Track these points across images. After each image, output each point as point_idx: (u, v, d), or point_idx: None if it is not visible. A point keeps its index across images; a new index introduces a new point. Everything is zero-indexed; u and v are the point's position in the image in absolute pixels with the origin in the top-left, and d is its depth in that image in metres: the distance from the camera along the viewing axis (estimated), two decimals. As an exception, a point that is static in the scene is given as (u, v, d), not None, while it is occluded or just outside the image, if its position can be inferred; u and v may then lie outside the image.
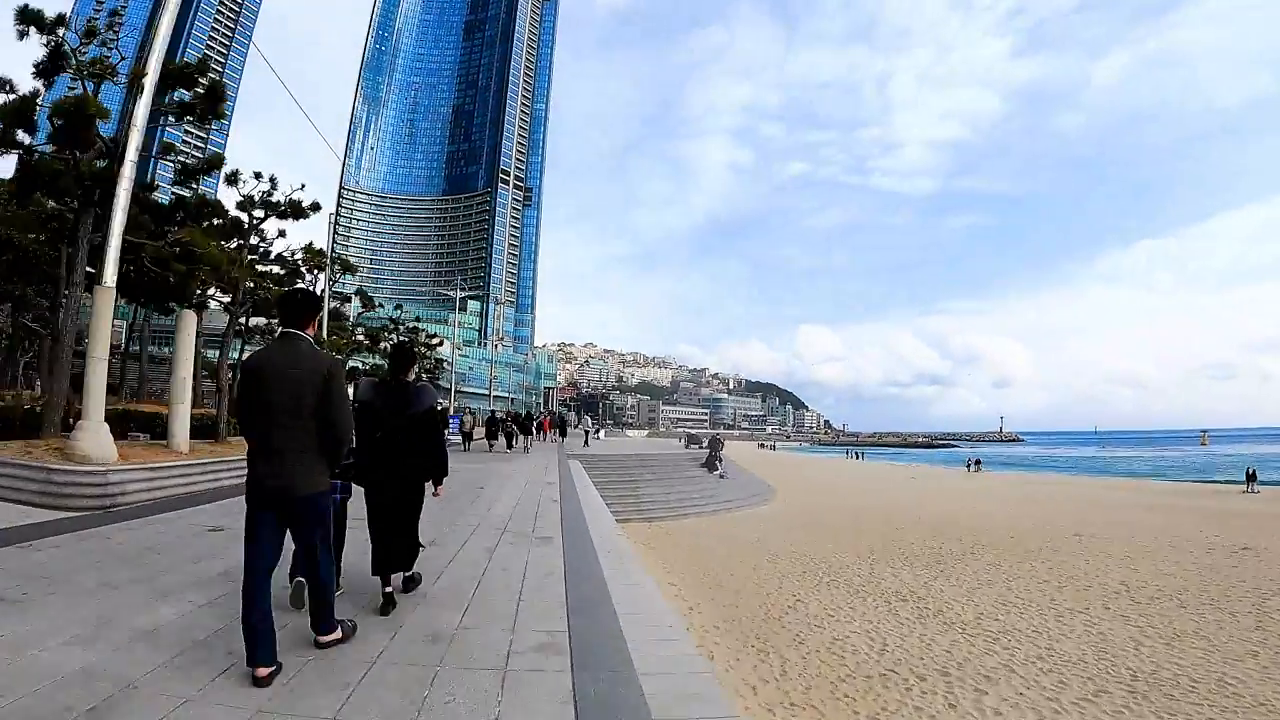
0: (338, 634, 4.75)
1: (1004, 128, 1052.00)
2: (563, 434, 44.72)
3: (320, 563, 4.52)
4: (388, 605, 5.58)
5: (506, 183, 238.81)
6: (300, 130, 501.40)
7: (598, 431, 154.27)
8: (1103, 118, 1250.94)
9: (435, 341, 71.46)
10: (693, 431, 78.83)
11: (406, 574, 6.13)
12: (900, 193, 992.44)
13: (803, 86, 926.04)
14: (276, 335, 4.64)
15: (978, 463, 78.64)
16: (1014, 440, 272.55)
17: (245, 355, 26.85)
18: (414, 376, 6.13)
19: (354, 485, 5.93)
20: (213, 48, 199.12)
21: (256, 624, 4.10)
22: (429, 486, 6.18)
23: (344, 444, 4.59)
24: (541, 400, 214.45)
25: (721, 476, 33.86)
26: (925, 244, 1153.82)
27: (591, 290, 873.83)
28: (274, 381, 4.37)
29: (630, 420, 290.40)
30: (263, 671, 4.07)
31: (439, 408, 6.48)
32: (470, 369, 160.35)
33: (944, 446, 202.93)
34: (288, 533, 4.47)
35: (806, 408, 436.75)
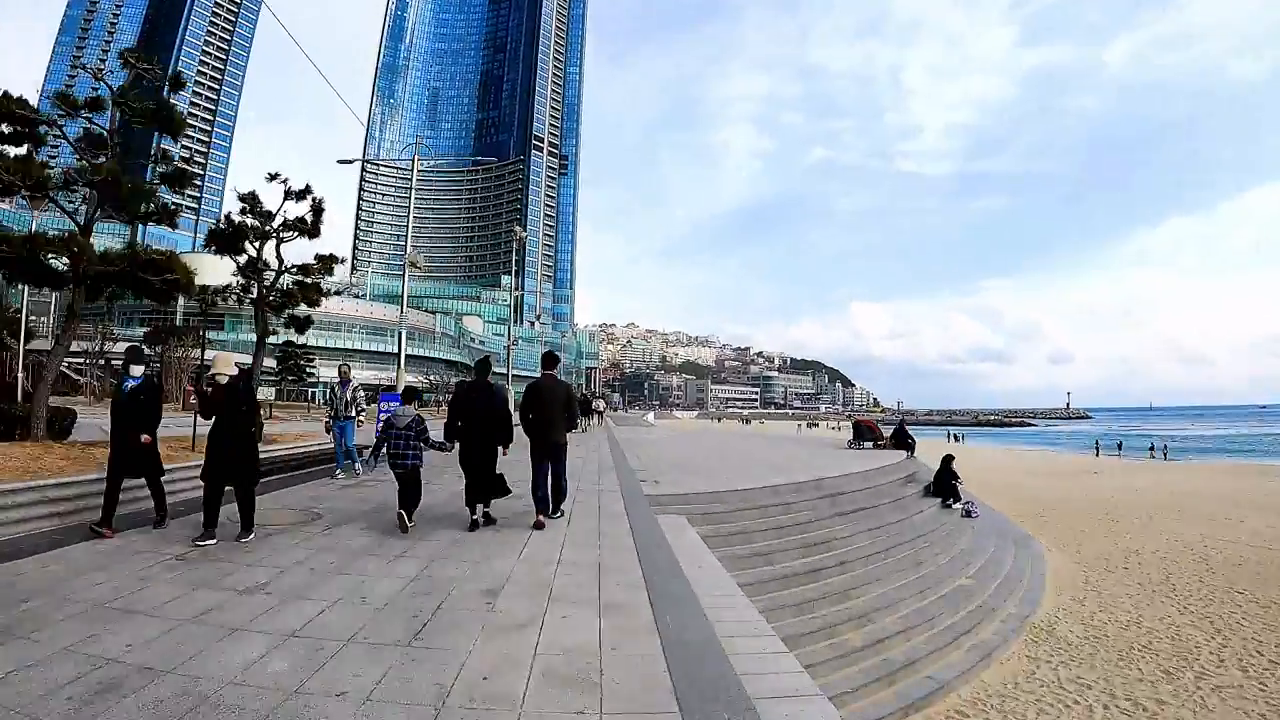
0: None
1: (1017, 112, 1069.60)
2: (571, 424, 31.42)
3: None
4: (473, 526, 8.83)
5: (540, 149, 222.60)
6: (322, 111, 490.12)
7: (646, 413, 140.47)
8: (1116, 99, 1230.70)
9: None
10: (812, 415, 62.20)
11: (486, 509, 9.16)
12: (923, 175, 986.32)
13: (820, 77, 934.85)
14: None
15: (1161, 449, 61.83)
16: (1082, 417, 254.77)
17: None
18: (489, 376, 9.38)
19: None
20: (214, 33, 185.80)
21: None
22: (500, 450, 9.09)
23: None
24: (584, 381, 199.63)
25: (968, 513, 17.86)
26: (953, 225, 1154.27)
27: (626, 280, 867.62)
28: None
29: (677, 400, 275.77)
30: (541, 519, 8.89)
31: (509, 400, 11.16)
32: (505, 349, 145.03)
33: (1019, 425, 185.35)
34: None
35: (854, 385, 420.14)
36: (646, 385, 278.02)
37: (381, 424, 10.08)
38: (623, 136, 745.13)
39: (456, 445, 8.95)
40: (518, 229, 55.46)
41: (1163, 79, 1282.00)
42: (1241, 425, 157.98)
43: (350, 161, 37.06)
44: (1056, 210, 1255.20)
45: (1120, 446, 64.75)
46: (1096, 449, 63.71)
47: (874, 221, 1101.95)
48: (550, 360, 9.68)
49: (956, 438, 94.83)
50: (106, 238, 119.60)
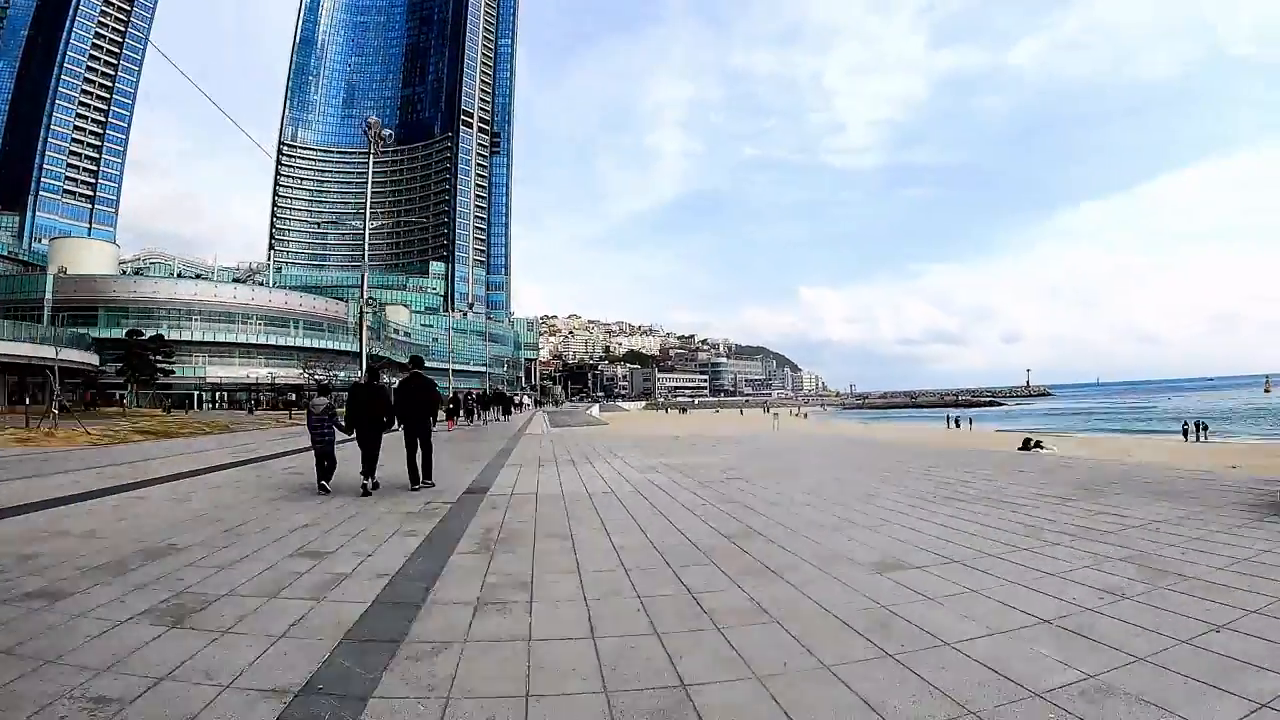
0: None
1: (934, 108, 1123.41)
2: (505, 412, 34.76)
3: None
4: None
5: (470, 125, 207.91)
6: (235, 84, 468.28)
7: (589, 406, 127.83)
8: (1026, 95, 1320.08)
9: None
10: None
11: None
12: (852, 168, 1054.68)
13: (743, 80, 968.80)
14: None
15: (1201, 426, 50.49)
16: (1044, 394, 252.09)
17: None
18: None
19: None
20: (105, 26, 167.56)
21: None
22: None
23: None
24: (523, 375, 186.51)
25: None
26: (884, 214, 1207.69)
27: (567, 272, 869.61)
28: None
29: (623, 391, 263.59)
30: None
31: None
32: (435, 340, 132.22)
33: (990, 404, 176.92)
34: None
35: (800, 370, 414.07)
36: (590, 376, 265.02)
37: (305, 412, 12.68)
38: (558, 133, 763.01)
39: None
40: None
41: (1066, 76, 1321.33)
42: (1226, 397, 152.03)
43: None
44: (981, 198, 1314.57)
45: (1203, 428, 52.23)
46: (1197, 430, 50.79)
47: (811, 212, 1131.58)
48: (417, 361, 12.61)
49: (956, 422, 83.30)
50: None
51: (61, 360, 55.14)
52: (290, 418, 51.03)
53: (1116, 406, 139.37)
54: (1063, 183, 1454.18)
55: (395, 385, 12.31)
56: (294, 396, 77.77)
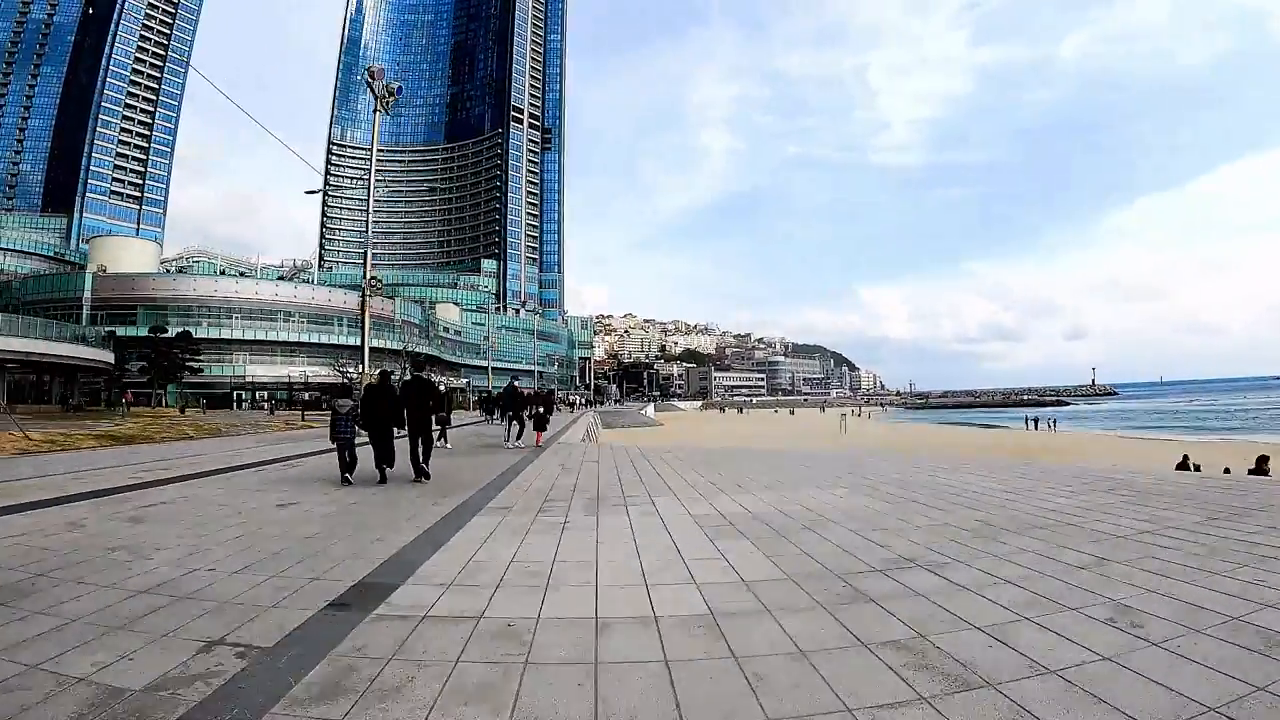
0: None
1: (979, 104, 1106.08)
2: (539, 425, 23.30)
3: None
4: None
5: (520, 122, 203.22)
6: (283, 88, 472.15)
7: (645, 406, 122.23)
8: (1072, 89, 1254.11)
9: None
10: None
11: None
12: (896, 165, 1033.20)
13: (786, 80, 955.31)
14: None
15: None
16: (1109, 393, 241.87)
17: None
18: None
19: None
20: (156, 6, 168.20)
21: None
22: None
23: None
24: (577, 374, 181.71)
25: None
26: (932, 211, 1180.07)
27: (620, 272, 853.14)
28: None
29: (678, 390, 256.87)
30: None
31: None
32: (486, 339, 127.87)
33: (1056, 404, 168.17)
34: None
35: (857, 369, 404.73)
36: (646, 375, 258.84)
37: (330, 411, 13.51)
38: (606, 134, 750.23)
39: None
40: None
41: (1114, 70, 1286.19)
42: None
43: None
44: (1032, 195, 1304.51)
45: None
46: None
47: (860, 211, 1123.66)
48: (418, 365, 14.64)
49: (1036, 423, 76.02)
50: (45, 233, 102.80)
51: (74, 358, 52.53)
52: (303, 419, 45.66)
53: (1189, 408, 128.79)
54: (1115, 178, 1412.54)
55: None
56: (311, 397, 73.48)
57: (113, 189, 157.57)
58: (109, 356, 57.38)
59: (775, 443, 42.04)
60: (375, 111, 30.72)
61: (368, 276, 29.85)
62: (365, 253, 30.56)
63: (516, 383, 22.82)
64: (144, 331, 70.84)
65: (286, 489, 11.23)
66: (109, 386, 62.88)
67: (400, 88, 30.91)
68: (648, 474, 13.67)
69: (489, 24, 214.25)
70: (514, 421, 20.85)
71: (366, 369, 27.34)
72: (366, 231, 30.43)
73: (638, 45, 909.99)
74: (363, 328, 29.34)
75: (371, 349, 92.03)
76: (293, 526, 7.95)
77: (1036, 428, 71.68)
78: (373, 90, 28.88)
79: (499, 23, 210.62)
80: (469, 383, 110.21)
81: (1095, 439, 53.74)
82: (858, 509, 9.23)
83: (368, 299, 29.75)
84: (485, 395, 54.85)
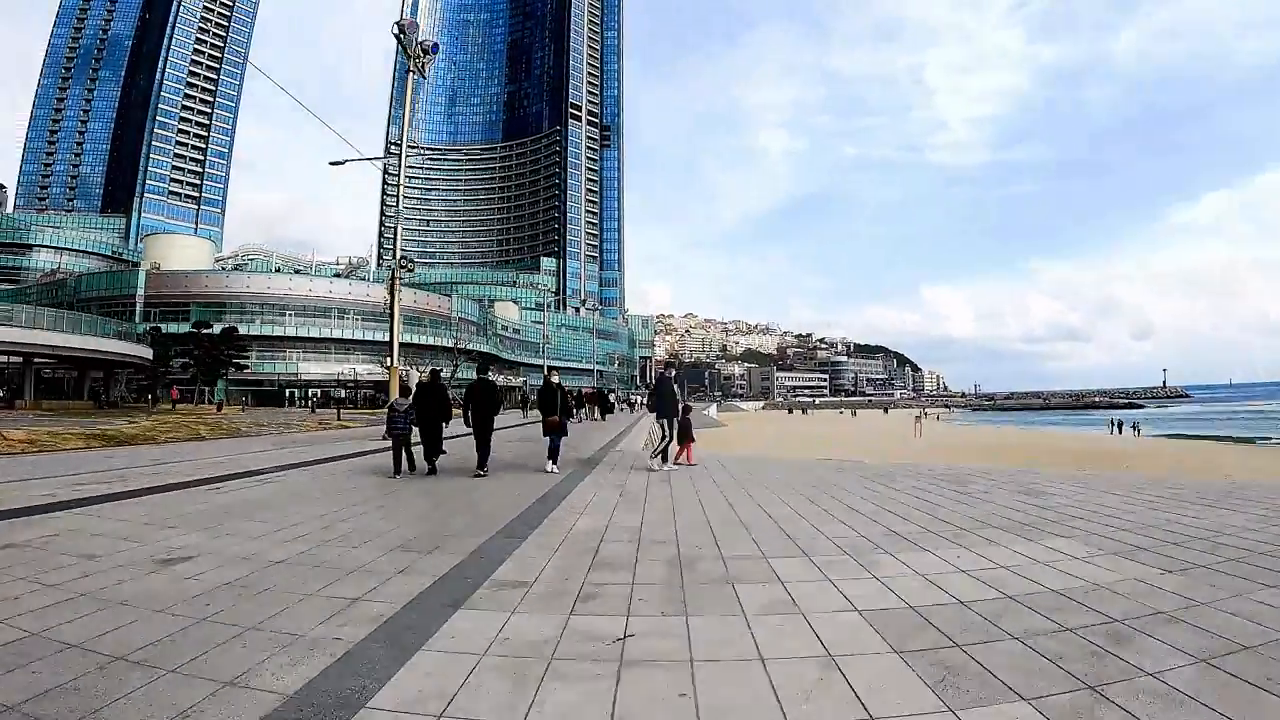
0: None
1: (1038, 102, 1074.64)
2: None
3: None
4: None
5: (578, 119, 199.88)
6: (338, 89, 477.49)
7: (707, 406, 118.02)
8: (1132, 85, 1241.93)
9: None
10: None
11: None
12: (954, 165, 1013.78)
13: (842, 80, 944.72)
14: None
15: None
16: (1180, 396, 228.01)
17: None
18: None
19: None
20: (211, 8, 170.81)
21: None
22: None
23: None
24: (638, 374, 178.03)
25: None
26: (993, 210, 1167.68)
27: (681, 272, 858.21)
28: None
29: (740, 390, 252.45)
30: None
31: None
32: (545, 337, 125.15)
33: (1128, 406, 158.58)
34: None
35: (920, 369, 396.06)
36: (707, 375, 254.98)
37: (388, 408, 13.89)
38: (664, 135, 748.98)
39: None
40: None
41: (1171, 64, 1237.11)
42: None
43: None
44: (1093, 192, 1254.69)
45: None
46: None
47: (919, 210, 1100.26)
48: (483, 366, 13.95)
49: (1120, 426, 69.56)
50: (104, 232, 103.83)
51: (107, 352, 50.14)
52: (338, 418, 42.16)
53: (1269, 411, 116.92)
54: (1180, 174, 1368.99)
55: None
56: (348, 394, 70.91)
57: (170, 189, 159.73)
58: (147, 352, 54.99)
59: (858, 448, 36.78)
60: (410, 73, 26.38)
61: (398, 255, 25.79)
62: (396, 227, 26.70)
63: (554, 378, 14.99)
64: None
65: (192, 534, 7.07)
66: (152, 383, 60.54)
67: (437, 44, 26.71)
68: (744, 506, 9.46)
69: (544, 22, 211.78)
70: (552, 432, 14.02)
71: (395, 362, 23.39)
72: (398, 205, 26.35)
73: (692, 46, 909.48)
74: (391, 313, 25.21)
75: (425, 346, 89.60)
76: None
77: (1120, 431, 65.66)
78: (403, 47, 24.57)
79: (555, 20, 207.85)
80: (525, 381, 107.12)
81: (1212, 450, 47.04)
82: (1142, 591, 5.21)
83: (398, 283, 25.65)
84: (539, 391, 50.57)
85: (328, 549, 6.47)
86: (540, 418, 14.33)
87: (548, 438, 13.77)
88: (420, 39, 24.96)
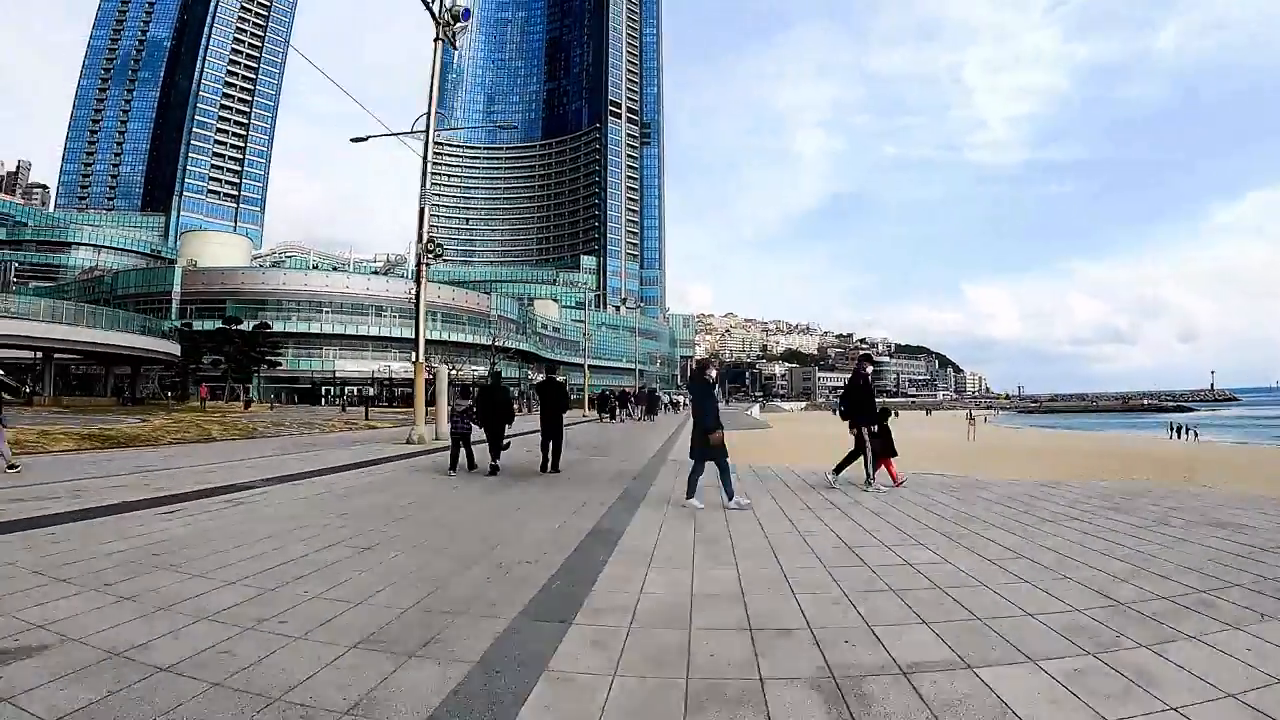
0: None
1: (1077, 99, 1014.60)
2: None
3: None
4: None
5: (618, 116, 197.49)
6: (377, 86, 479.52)
7: (749, 407, 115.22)
8: (1174, 82, 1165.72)
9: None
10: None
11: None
12: (992, 163, 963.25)
13: (881, 80, 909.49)
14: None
15: None
16: (1229, 399, 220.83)
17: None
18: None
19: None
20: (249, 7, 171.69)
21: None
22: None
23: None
24: (678, 373, 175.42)
25: None
26: (1033, 208, 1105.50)
27: (721, 272, 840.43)
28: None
29: (781, 390, 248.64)
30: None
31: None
32: (585, 335, 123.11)
33: (1177, 409, 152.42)
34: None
35: (962, 370, 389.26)
36: (748, 375, 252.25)
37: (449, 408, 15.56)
38: (702, 135, 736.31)
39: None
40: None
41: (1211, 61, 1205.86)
42: None
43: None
44: (1135, 190, 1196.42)
45: None
46: None
47: (959, 209, 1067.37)
48: (551, 368, 14.39)
49: (1179, 430, 65.42)
50: (144, 230, 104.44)
51: (129, 348, 48.42)
52: (366, 418, 40.01)
53: None
54: (1222, 172, 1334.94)
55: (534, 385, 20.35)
56: (375, 392, 69.33)
57: (210, 187, 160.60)
58: (174, 348, 53.21)
59: (930, 453, 33.68)
60: (436, 40, 23.59)
61: (424, 241, 23.07)
62: (421, 208, 23.89)
63: (557, 376, 14.33)
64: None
65: (68, 599, 4.60)
66: (181, 379, 58.94)
67: (467, 10, 24.01)
68: (889, 566, 5.79)
69: (583, 19, 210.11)
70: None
71: (420, 358, 20.91)
72: (423, 185, 23.69)
73: (729, 45, 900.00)
74: (417, 304, 22.55)
75: (464, 344, 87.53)
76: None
77: (1179, 435, 61.86)
78: (431, 13, 21.81)
79: (594, 18, 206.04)
80: (566, 380, 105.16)
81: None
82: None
83: (425, 271, 22.98)
84: (603, 394, 48.01)
85: (250, 639, 3.97)
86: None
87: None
88: (450, 4, 22.47)
